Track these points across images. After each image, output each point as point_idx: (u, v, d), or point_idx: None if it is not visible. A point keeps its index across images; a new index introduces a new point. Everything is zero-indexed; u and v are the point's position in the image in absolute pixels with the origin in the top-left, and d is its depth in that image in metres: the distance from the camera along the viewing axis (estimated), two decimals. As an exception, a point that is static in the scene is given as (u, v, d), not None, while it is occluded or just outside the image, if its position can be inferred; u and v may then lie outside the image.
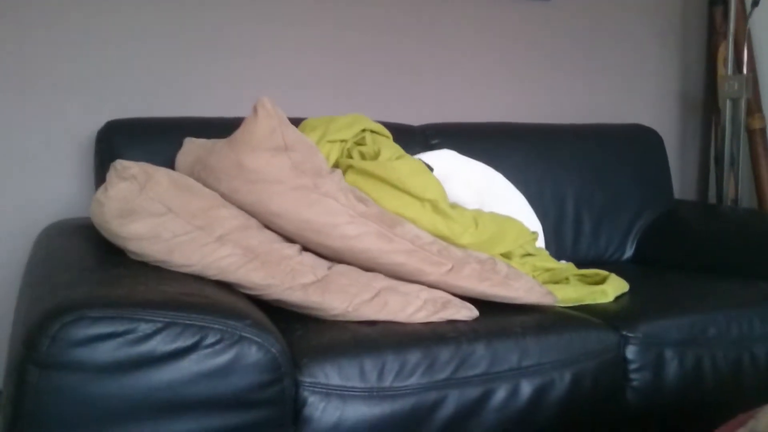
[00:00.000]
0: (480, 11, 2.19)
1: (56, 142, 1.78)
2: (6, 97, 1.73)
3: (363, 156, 1.52)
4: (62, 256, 1.24)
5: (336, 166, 1.51)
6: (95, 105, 1.80)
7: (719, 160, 2.35)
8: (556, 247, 1.98)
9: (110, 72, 1.81)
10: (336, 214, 1.25)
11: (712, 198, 2.49)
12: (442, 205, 1.43)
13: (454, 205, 1.52)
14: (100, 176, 1.63)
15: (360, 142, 1.57)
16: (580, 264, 1.95)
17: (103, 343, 0.91)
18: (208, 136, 1.49)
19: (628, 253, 2.06)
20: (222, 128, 1.53)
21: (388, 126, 1.68)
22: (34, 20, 1.73)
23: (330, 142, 1.52)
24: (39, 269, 1.21)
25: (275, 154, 1.25)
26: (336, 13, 2.02)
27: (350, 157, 1.53)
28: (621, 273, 1.89)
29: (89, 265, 1.16)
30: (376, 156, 1.50)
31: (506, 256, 1.57)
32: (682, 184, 2.52)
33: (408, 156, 1.56)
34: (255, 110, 1.26)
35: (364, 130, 1.58)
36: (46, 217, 1.76)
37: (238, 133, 1.26)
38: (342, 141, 1.54)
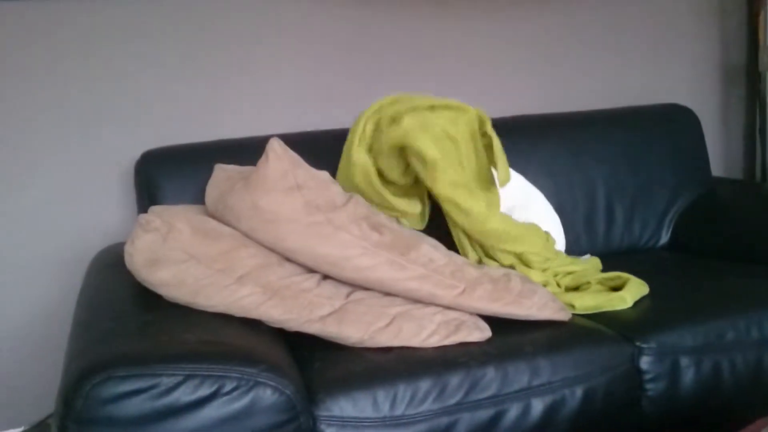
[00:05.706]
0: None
1: (102, 168, 1.89)
2: (48, 126, 1.85)
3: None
4: (105, 296, 1.36)
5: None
6: (134, 131, 1.90)
7: (762, 133, 2.28)
8: (588, 238, 1.99)
9: (146, 99, 1.90)
10: (349, 247, 1.32)
11: (759, 172, 2.42)
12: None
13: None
14: (142, 205, 1.74)
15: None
16: (613, 254, 1.97)
17: (130, 399, 1.02)
18: (241, 157, 1.60)
19: (664, 239, 2.04)
20: (253, 148, 1.60)
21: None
22: (69, 54, 1.84)
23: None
24: (84, 312, 1.33)
25: (288, 193, 1.32)
26: (333, 28, 2.06)
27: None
28: (653, 261, 1.91)
29: (125, 311, 1.27)
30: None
31: (527, 263, 1.61)
32: (726, 160, 2.45)
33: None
34: (266, 154, 1.33)
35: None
36: (100, 241, 1.89)
37: (253, 176, 1.34)
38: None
